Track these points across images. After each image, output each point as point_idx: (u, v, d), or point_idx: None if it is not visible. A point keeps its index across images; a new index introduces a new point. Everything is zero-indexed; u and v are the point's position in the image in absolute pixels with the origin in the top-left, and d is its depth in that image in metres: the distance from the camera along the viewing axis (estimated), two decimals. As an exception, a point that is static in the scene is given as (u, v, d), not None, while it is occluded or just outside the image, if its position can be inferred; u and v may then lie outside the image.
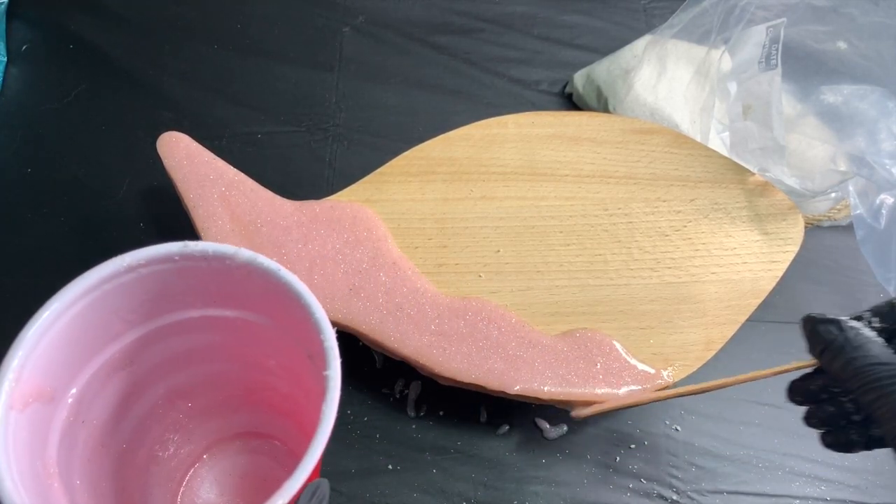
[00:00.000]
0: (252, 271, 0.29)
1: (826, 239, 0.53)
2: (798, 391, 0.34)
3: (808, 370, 0.33)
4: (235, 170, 0.45)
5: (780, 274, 0.45)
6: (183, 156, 0.45)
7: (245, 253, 0.28)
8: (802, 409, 0.47)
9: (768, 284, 0.45)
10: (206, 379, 0.36)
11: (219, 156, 0.46)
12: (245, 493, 0.37)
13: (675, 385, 0.42)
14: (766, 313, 0.47)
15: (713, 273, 0.45)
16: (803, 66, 0.50)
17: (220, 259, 0.29)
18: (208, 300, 0.31)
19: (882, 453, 0.45)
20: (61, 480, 0.26)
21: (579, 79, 0.57)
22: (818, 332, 0.31)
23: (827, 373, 0.31)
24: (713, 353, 0.43)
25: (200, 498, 0.37)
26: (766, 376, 0.35)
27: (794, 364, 0.34)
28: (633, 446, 0.45)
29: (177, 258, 0.28)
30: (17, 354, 0.26)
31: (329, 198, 0.46)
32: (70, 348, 0.28)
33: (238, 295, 0.31)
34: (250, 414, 0.38)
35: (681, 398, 0.46)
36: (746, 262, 0.45)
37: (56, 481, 0.26)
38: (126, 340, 0.31)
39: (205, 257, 0.28)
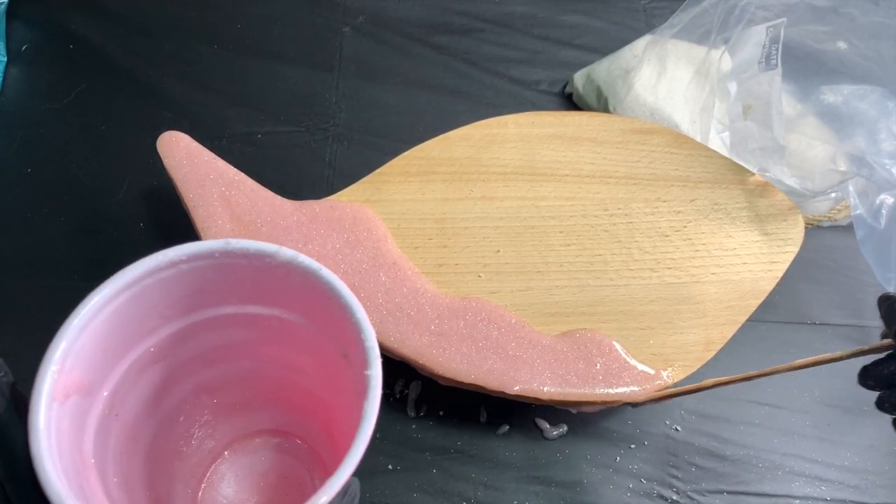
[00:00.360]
0: (292, 270, 0.29)
1: (826, 239, 0.53)
2: (871, 375, 0.33)
3: (881, 355, 0.33)
4: (235, 169, 0.45)
5: (781, 274, 0.45)
6: (183, 155, 0.45)
7: (286, 252, 0.28)
8: (803, 409, 0.47)
9: (768, 285, 0.45)
10: (233, 375, 0.36)
11: (219, 155, 0.46)
12: (266, 490, 0.37)
13: (675, 384, 0.42)
14: (766, 314, 0.47)
15: (713, 273, 0.45)
16: (803, 66, 0.50)
17: (260, 257, 0.29)
18: (244, 297, 0.31)
19: (883, 454, 0.46)
20: (97, 473, 0.26)
21: (579, 79, 0.57)
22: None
23: None
24: (713, 353, 0.43)
25: (221, 493, 0.37)
26: (838, 359, 0.35)
27: (870, 346, 0.33)
28: (633, 446, 0.45)
29: (217, 255, 0.28)
30: (61, 345, 0.26)
31: (329, 198, 0.46)
32: (108, 341, 0.28)
33: (275, 293, 0.31)
34: (273, 411, 0.38)
35: (680, 398, 0.46)
36: (746, 263, 0.45)
37: (92, 473, 0.26)
38: (161, 335, 0.31)
39: (246, 255, 0.28)
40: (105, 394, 0.29)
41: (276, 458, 0.38)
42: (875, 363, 0.33)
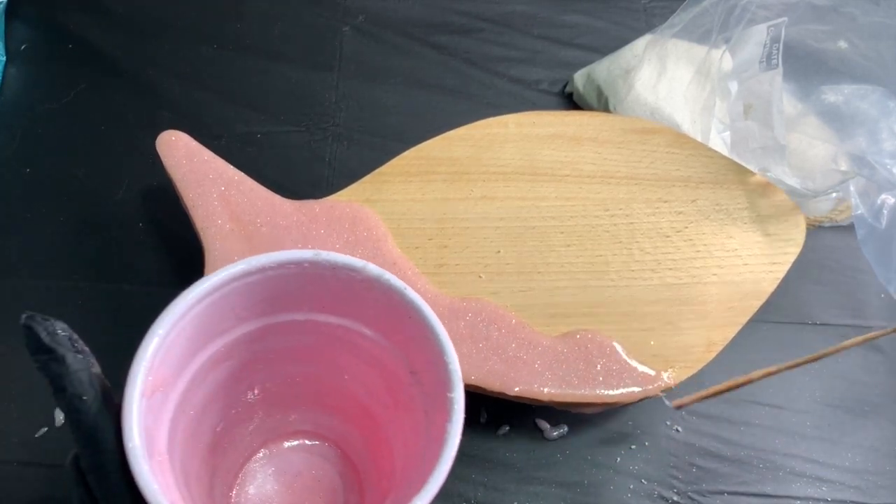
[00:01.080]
0: (375, 286, 0.29)
1: (827, 239, 0.53)
2: None
3: None
4: (235, 169, 0.45)
5: (782, 275, 0.45)
6: (182, 155, 0.45)
7: (373, 268, 0.29)
8: (804, 409, 0.47)
9: (770, 286, 0.45)
10: (288, 377, 0.36)
11: (218, 155, 0.46)
12: (298, 491, 0.38)
13: (676, 385, 0.42)
14: (767, 314, 0.46)
15: (714, 274, 0.45)
16: (804, 66, 0.50)
17: (346, 270, 0.29)
18: (317, 305, 0.31)
19: (883, 454, 0.46)
20: (171, 468, 0.27)
21: (580, 78, 0.57)
22: None
23: None
24: (714, 354, 0.43)
25: (256, 490, 0.37)
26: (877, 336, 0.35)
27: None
28: (633, 447, 0.45)
29: (306, 265, 0.29)
30: (153, 342, 0.26)
31: (329, 198, 0.46)
32: (190, 339, 0.28)
33: (350, 304, 0.31)
34: (316, 414, 0.38)
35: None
36: (748, 264, 0.45)
37: (167, 469, 0.27)
38: (234, 335, 0.31)
39: (333, 267, 0.29)
40: (180, 390, 0.29)
41: (311, 460, 0.39)
42: None
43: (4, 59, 0.55)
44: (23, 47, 0.57)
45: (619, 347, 0.42)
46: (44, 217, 0.50)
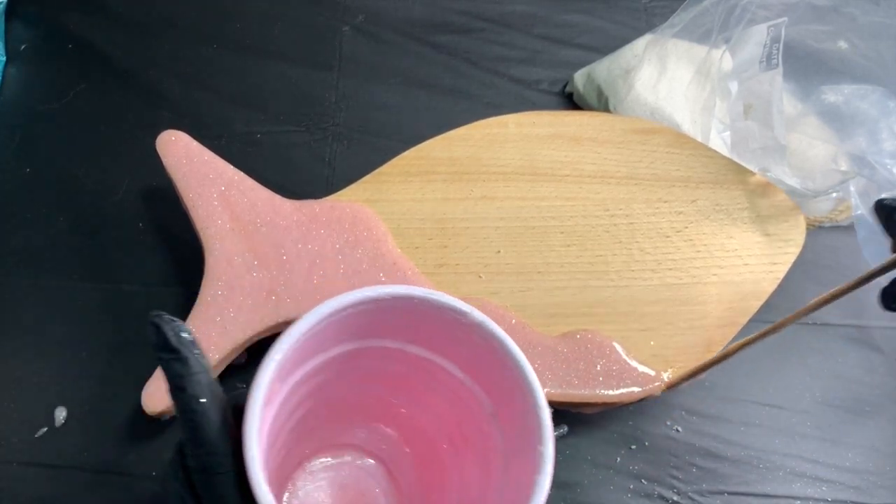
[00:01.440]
0: (476, 331, 0.29)
1: (827, 239, 0.53)
2: (892, 296, 0.32)
3: None
4: (235, 169, 0.45)
5: (782, 275, 0.45)
6: (182, 154, 0.45)
7: (477, 315, 0.29)
8: (804, 409, 0.47)
9: (770, 286, 0.45)
10: (359, 396, 0.36)
11: (218, 155, 0.46)
12: (343, 501, 0.38)
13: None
14: (767, 314, 0.46)
15: (714, 275, 0.45)
16: (804, 66, 0.50)
17: (452, 312, 0.29)
18: (410, 337, 0.32)
19: (884, 454, 0.46)
20: (266, 477, 0.27)
21: (580, 78, 0.57)
22: None
23: None
24: (714, 354, 0.43)
25: (303, 498, 0.37)
26: (853, 287, 0.34)
27: (880, 265, 0.32)
28: (633, 447, 0.45)
29: (416, 301, 0.29)
30: (277, 358, 0.26)
31: (329, 197, 0.46)
32: (298, 355, 0.28)
33: (444, 341, 0.31)
34: (372, 432, 0.39)
35: (681, 399, 0.46)
36: (748, 264, 0.45)
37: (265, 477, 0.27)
38: (330, 355, 0.31)
39: (439, 307, 0.29)
40: (278, 402, 0.29)
41: (358, 475, 0.39)
42: (893, 282, 0.32)
43: (4, 59, 0.55)
44: (23, 47, 0.57)
45: (618, 347, 0.42)
46: (43, 217, 0.50)
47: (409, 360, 0.33)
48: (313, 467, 0.38)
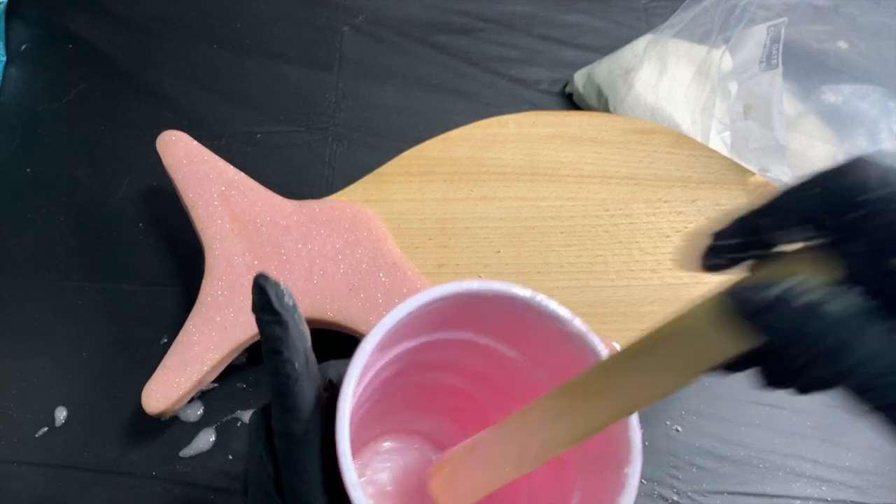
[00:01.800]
0: (575, 340, 0.28)
1: (827, 239, 0.53)
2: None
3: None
4: (235, 169, 0.45)
5: (781, 274, 0.45)
6: (182, 154, 0.45)
7: (579, 324, 0.28)
8: (804, 409, 0.47)
9: (769, 285, 0.45)
10: (433, 385, 0.36)
11: (218, 155, 0.46)
12: (406, 486, 0.38)
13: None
14: (766, 314, 0.46)
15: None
16: (804, 66, 0.50)
17: (554, 319, 0.28)
18: (487, 329, 0.31)
19: (884, 454, 0.46)
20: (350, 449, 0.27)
21: (580, 78, 0.57)
22: None
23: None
24: (714, 353, 0.43)
25: (375, 478, 0.37)
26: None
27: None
28: (633, 447, 0.45)
29: (517, 302, 0.28)
30: (376, 340, 0.26)
31: (329, 198, 0.46)
32: (383, 344, 0.28)
33: (519, 336, 0.31)
34: (438, 421, 0.38)
35: (682, 399, 0.46)
36: (747, 263, 0.45)
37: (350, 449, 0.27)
38: (410, 344, 0.31)
39: (541, 312, 0.28)
40: (365, 382, 0.29)
41: (418, 460, 0.39)
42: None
43: (4, 59, 0.55)
44: (23, 47, 0.57)
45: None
46: (43, 217, 0.50)
47: (479, 349, 0.32)
48: (380, 448, 0.38)
